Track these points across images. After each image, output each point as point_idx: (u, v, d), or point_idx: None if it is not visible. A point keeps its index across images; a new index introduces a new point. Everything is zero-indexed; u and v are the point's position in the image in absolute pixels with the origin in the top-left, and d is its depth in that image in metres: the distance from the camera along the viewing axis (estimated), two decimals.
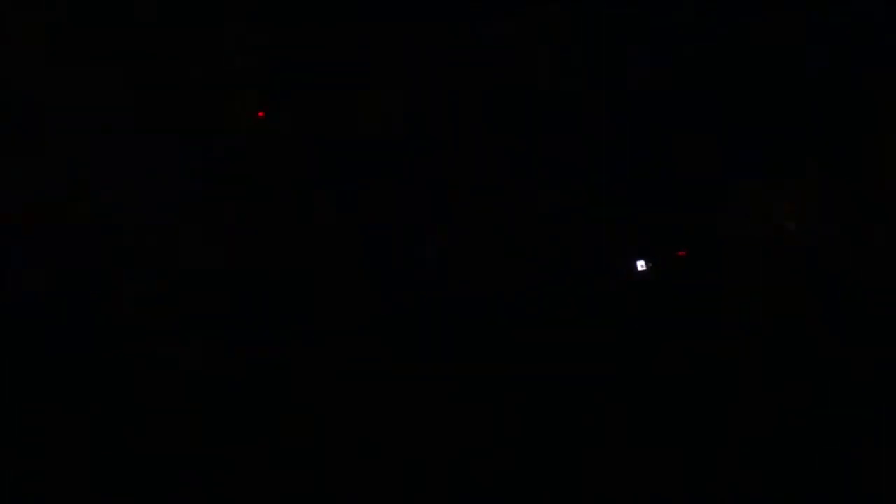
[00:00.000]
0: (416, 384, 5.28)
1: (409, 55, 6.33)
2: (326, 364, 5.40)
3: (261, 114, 6.23)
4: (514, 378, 5.31)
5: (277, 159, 6.18)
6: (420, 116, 6.28)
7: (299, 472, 5.05)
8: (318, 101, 6.38)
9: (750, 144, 5.98)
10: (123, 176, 5.90)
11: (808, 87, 6.02)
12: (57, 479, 4.98)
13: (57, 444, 5.10)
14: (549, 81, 6.23)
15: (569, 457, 5.08)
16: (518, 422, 5.19)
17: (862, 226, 5.71)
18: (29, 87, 5.89)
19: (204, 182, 5.99)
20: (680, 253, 5.73)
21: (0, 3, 5.90)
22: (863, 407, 5.13)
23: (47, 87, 5.91)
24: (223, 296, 5.62)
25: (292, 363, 5.40)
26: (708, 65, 6.17)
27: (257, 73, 6.25)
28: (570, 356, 5.36)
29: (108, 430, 5.15)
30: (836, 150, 5.90)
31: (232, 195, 5.98)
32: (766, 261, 5.68)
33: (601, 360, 5.35)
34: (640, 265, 5.66)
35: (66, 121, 5.89)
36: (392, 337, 5.50)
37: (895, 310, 5.43)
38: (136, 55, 5.99)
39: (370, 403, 5.24)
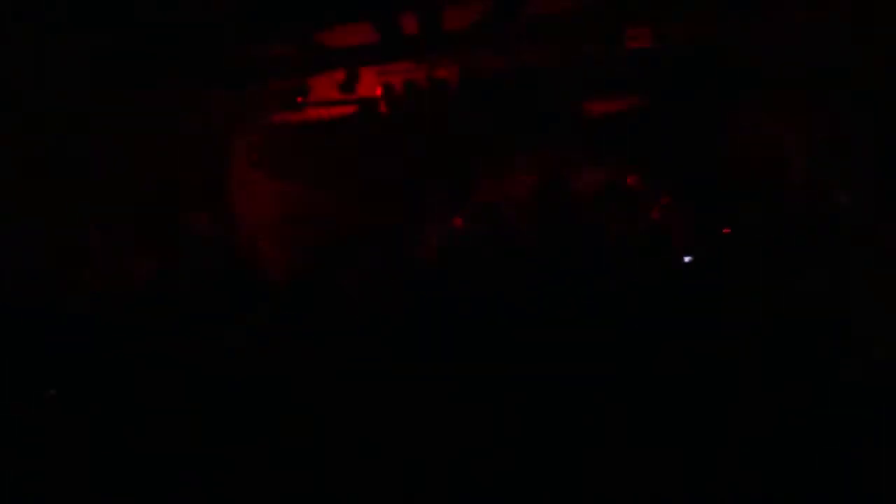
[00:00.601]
0: (416, 384, 5.29)
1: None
2: (326, 364, 5.40)
3: (299, 99, 6.26)
4: (514, 378, 5.31)
5: (279, 159, 6.19)
6: (420, 118, 6.29)
7: (299, 472, 5.05)
8: (318, 101, 6.40)
9: (750, 144, 5.99)
10: (125, 176, 5.91)
11: (807, 87, 6.04)
12: (57, 479, 4.98)
13: (57, 444, 5.10)
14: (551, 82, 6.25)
15: (569, 457, 5.07)
16: (518, 422, 5.19)
17: (862, 226, 5.72)
18: (29, 87, 5.90)
19: (206, 182, 6.01)
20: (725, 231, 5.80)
21: (0, 3, 5.92)
22: (863, 407, 5.13)
23: (48, 87, 5.92)
24: (223, 296, 5.63)
25: (292, 363, 5.41)
26: (707, 66, 6.18)
27: (257, 72, 6.26)
28: (570, 356, 5.36)
29: (108, 430, 5.15)
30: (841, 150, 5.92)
31: (232, 195, 5.99)
32: (767, 260, 5.69)
33: (601, 360, 5.36)
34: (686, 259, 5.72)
35: (66, 121, 5.90)
36: (392, 337, 5.51)
37: (895, 310, 5.43)
38: (136, 55, 5.99)
39: (370, 403, 5.24)
